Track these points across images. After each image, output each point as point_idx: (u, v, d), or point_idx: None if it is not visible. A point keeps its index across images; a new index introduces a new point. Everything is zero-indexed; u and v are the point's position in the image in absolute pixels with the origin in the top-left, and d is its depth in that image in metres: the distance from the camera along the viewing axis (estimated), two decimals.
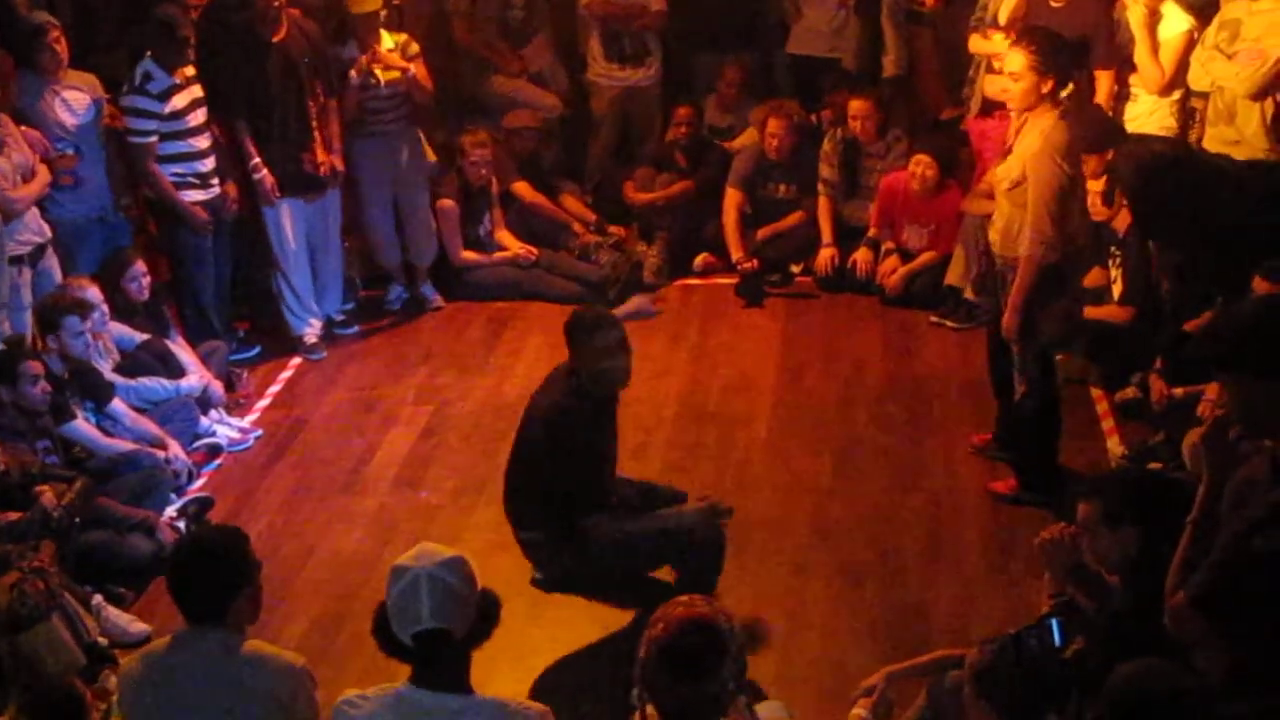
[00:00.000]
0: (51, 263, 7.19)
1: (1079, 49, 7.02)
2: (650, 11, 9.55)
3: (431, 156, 8.99)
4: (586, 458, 5.47)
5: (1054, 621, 3.97)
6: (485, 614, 3.57)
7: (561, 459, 5.39)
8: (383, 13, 8.29)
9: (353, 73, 8.20)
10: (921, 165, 8.49)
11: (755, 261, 8.86)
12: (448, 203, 8.89)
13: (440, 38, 9.58)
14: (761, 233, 9.04)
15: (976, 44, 8.04)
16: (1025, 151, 5.90)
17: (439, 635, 3.48)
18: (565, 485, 5.43)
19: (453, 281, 9.00)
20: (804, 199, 9.08)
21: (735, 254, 8.89)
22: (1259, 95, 6.89)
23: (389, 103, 8.39)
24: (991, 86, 7.91)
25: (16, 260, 6.86)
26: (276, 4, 7.70)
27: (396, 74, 8.30)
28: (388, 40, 8.34)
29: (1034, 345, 6.15)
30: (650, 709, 3.27)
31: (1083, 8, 7.39)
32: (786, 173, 9.08)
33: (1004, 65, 6.14)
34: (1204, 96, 7.10)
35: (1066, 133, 5.88)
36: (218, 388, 7.52)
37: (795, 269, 9.04)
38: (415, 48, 8.47)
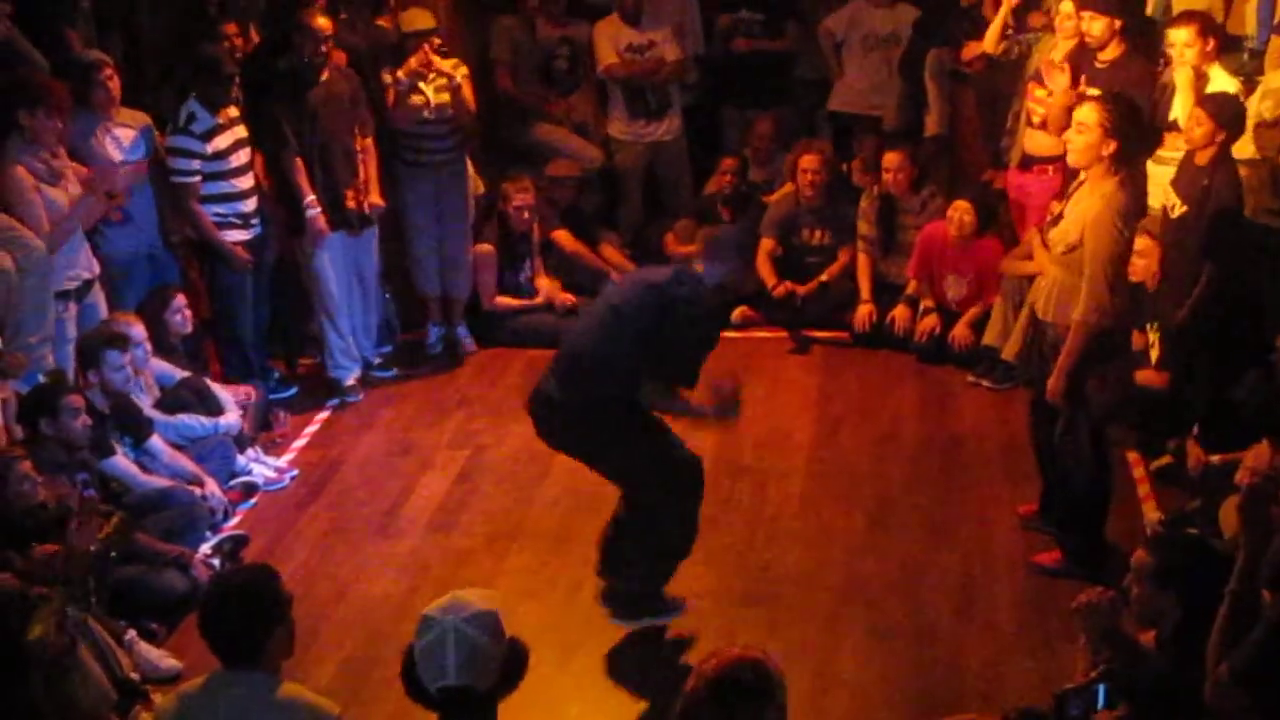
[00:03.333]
0: (98, 298, 7.23)
1: (1150, 133, 6.96)
2: (669, 63, 9.63)
3: (479, 186, 9.04)
4: (704, 342, 5.64)
5: (1100, 686, 3.94)
6: (512, 667, 3.52)
7: (683, 333, 5.52)
8: (436, 40, 8.36)
9: (400, 73, 8.26)
10: (959, 211, 8.50)
11: (788, 285, 8.99)
12: (485, 247, 8.95)
13: (484, 87, 9.66)
14: (803, 290, 9.06)
15: (990, 41, 8.44)
16: (1084, 215, 5.81)
17: (464, 691, 3.46)
18: (667, 358, 5.55)
19: (491, 327, 9.04)
20: (838, 245, 9.13)
21: (769, 281, 9.04)
22: None
23: (437, 129, 8.45)
24: (1031, 142, 7.94)
25: (63, 295, 6.88)
26: (323, 49, 7.80)
27: (446, 97, 8.35)
28: (441, 63, 8.38)
29: (1086, 416, 6.07)
30: None
31: (1127, 67, 7.40)
32: (820, 219, 9.12)
33: (1074, 117, 6.03)
34: (1250, 164, 7.07)
35: (1128, 198, 5.80)
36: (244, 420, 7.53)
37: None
38: (464, 69, 8.53)
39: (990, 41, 8.45)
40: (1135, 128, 5.94)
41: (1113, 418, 6.28)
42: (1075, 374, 5.92)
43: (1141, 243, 7.07)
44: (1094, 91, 6.82)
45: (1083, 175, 5.99)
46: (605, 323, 5.69)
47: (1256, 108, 7.05)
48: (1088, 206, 5.81)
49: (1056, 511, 6.45)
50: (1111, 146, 5.74)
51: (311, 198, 7.92)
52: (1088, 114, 5.81)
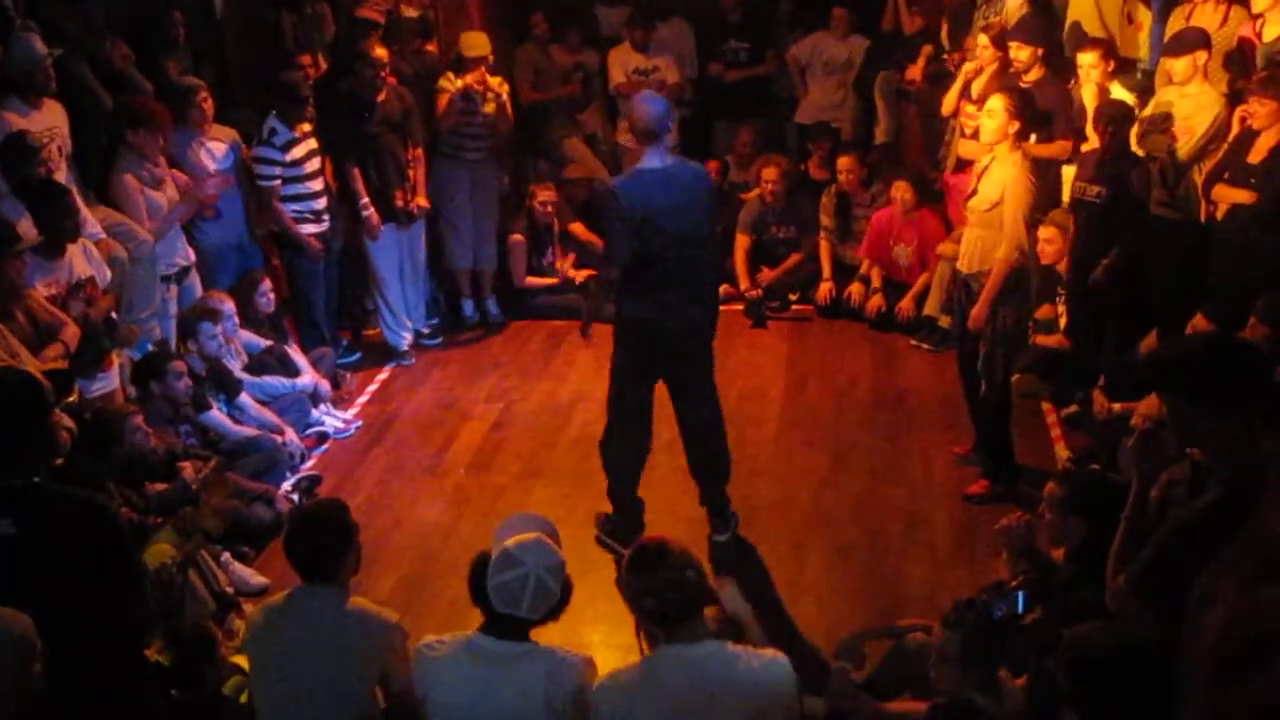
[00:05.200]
0: (194, 280, 7.22)
1: (1044, 115, 7.06)
2: (669, 84, 9.64)
3: (506, 179, 9.03)
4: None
5: (1020, 593, 3.96)
6: (561, 604, 3.62)
7: None
8: (489, 59, 8.36)
9: (459, 83, 8.25)
10: (900, 190, 8.57)
11: (758, 290, 8.91)
12: (517, 237, 8.94)
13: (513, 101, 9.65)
14: (771, 275, 9.04)
15: (949, 105, 8.09)
16: (1002, 179, 5.91)
17: (524, 620, 3.54)
18: None
19: (520, 304, 9.04)
20: (800, 238, 9.10)
21: (743, 284, 8.95)
22: (1187, 166, 6.86)
23: (481, 130, 8.44)
24: (964, 149, 7.90)
25: (166, 279, 6.89)
26: (381, 74, 7.76)
27: (493, 107, 8.37)
28: (490, 81, 8.38)
29: (1002, 343, 6.08)
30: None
31: (1046, 87, 7.38)
32: (784, 217, 9.10)
33: (985, 106, 6.16)
34: (1145, 163, 7.03)
35: (1032, 164, 6.02)
36: (326, 386, 7.57)
37: (792, 297, 9.06)
38: (506, 87, 8.59)
39: (948, 106, 8.30)
40: (1031, 110, 6.16)
41: (1017, 341, 6.30)
42: (995, 304, 5.98)
43: (1047, 231, 7.06)
44: None
45: (985, 160, 6.10)
46: None
47: (1150, 115, 7.02)
48: (1003, 174, 5.92)
49: (980, 439, 6.48)
50: (1015, 125, 5.93)
51: (365, 200, 7.89)
52: (995, 103, 5.99)
